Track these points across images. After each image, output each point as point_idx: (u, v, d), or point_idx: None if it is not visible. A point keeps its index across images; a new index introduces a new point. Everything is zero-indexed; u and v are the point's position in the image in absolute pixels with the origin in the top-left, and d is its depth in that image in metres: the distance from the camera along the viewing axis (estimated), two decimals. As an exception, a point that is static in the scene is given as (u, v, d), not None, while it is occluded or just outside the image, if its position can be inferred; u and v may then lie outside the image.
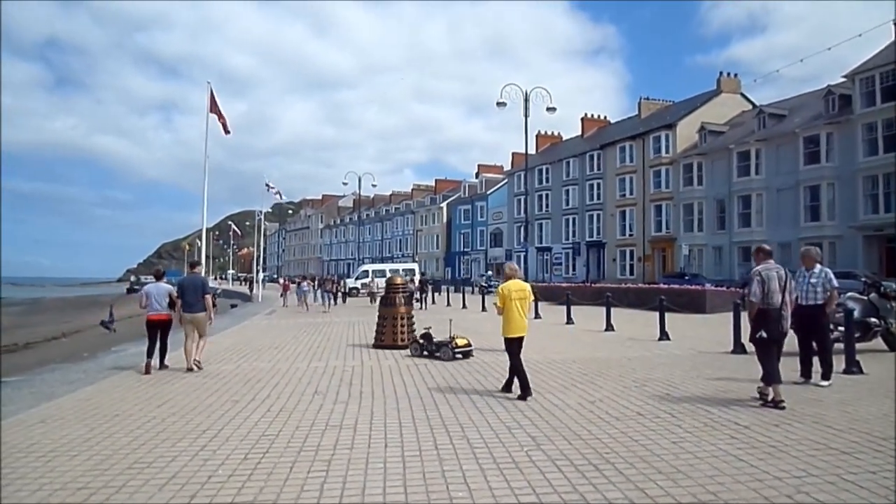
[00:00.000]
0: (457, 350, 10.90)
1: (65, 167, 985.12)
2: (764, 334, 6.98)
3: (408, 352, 11.72)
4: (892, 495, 4.13)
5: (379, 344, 12.77)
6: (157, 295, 10.20)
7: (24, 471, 4.86)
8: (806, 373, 8.26)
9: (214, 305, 10.83)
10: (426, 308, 26.96)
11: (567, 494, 4.22)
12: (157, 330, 10.15)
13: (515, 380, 7.67)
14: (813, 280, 8.26)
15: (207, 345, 10.79)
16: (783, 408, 6.67)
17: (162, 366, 10.15)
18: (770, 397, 6.89)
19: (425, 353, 11.27)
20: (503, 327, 7.70)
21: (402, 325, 12.74)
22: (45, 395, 8.08)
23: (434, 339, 11.24)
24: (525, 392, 7.48)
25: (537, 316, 20.01)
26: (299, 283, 29.27)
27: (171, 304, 10.30)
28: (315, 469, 4.84)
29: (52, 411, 7.00)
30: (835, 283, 8.23)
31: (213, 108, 19.35)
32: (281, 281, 45.61)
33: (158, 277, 10.72)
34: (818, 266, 8.37)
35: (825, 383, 7.97)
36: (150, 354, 10.02)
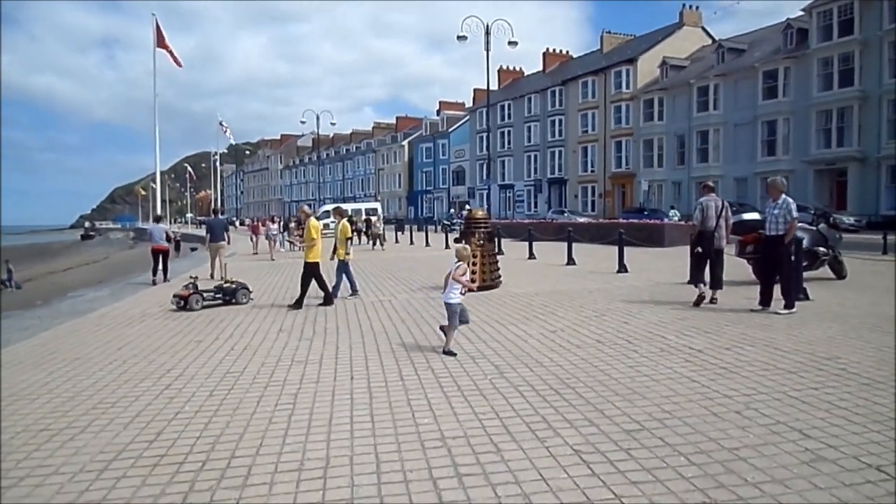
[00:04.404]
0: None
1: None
2: (699, 249, 9.23)
3: (172, 305, 10.27)
4: (833, 408, 4.40)
5: None
6: (157, 232, 15.14)
7: (-17, 414, 4.77)
8: (765, 301, 8.37)
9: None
10: (381, 248, 25.84)
11: (528, 417, 4.37)
12: (160, 256, 14.61)
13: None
14: (776, 211, 8.23)
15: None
16: (710, 301, 8.97)
17: (165, 279, 14.39)
18: (698, 294, 8.99)
19: (203, 304, 10.36)
20: (314, 254, 10.21)
21: (485, 264, 11.72)
22: None
23: (224, 286, 10.97)
24: (328, 301, 10.09)
25: (500, 252, 20.20)
26: (268, 225, 25.76)
27: (168, 238, 15.32)
28: (282, 402, 4.89)
29: (8, 357, 6.83)
30: (794, 213, 8.16)
31: (161, 42, 18.43)
32: (249, 222, 42.19)
33: (157, 220, 17.19)
34: (783, 196, 8.29)
35: (785, 312, 8.02)
36: (154, 273, 14.61)
